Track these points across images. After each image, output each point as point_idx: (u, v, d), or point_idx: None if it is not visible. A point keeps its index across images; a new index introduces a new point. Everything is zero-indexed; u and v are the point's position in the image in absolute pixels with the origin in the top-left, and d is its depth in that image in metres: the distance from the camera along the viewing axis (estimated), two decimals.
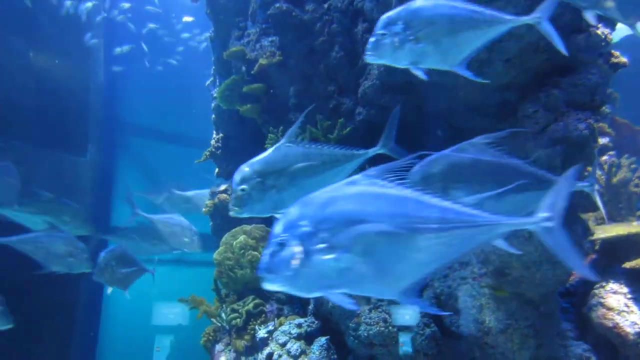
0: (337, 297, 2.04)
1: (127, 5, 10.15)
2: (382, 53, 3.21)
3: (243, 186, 3.32)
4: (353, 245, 1.98)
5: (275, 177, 3.31)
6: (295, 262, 1.98)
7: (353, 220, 2.00)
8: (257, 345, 5.21)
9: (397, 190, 2.10)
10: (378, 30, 3.19)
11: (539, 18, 3.02)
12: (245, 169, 3.36)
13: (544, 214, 2.06)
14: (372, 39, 3.20)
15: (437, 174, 2.94)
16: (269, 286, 2.03)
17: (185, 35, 11.73)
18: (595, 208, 5.34)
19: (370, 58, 3.25)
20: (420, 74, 3.32)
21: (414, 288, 2.08)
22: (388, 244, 2.01)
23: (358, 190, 2.11)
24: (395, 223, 2.00)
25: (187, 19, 11.23)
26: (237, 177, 3.35)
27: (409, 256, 2.04)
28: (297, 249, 1.99)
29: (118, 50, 9.69)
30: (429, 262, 2.06)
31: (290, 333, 4.96)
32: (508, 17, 3.05)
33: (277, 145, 3.45)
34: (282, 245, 2.01)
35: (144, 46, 11.05)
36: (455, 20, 3.09)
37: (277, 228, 2.06)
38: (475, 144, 3.03)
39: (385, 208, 2.05)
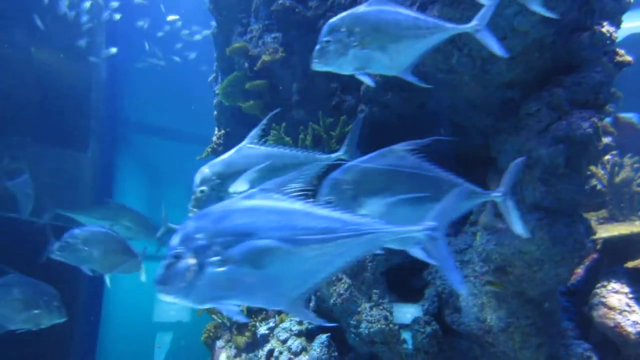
0: (228, 308, 2.15)
1: (115, 4, 10.09)
2: (327, 60, 3.21)
3: (202, 187, 3.33)
4: (244, 259, 2.09)
5: (235, 178, 3.31)
6: (189, 275, 2.08)
7: (244, 234, 2.11)
8: (257, 342, 5.22)
9: (289, 203, 2.21)
10: (322, 37, 3.20)
11: (478, 26, 3.08)
12: (205, 170, 3.39)
13: (430, 223, 2.19)
14: (317, 47, 3.20)
15: (348, 182, 2.93)
16: (163, 297, 2.11)
17: (185, 32, 11.69)
18: (598, 207, 5.34)
19: (316, 66, 3.25)
20: (367, 80, 3.35)
21: (302, 298, 2.20)
22: (276, 257, 2.11)
23: (252, 204, 2.22)
24: (283, 236, 2.11)
25: (172, 17, 11.13)
26: (197, 178, 3.37)
27: (297, 267, 2.15)
28: (191, 261, 2.08)
29: (104, 52, 9.58)
30: (316, 272, 2.18)
31: (291, 330, 4.97)
32: (449, 25, 3.12)
33: (239, 146, 3.48)
34: (177, 257, 2.09)
35: (147, 45, 11.02)
36: (400, 26, 3.10)
37: (174, 240, 2.14)
38: (395, 150, 3.03)
39: (275, 221, 2.16)
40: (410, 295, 4.69)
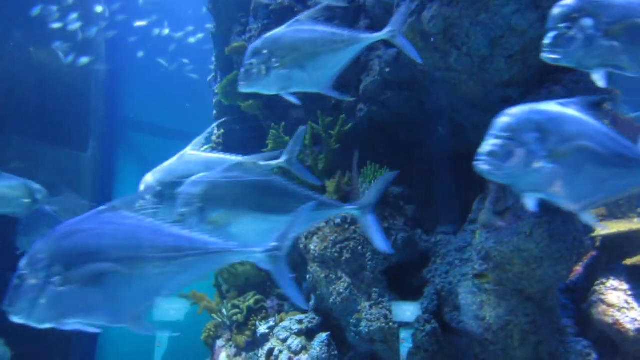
0: (74, 325, 2.17)
1: (100, 9, 10.03)
2: (251, 82, 3.33)
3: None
4: (84, 279, 2.12)
5: (175, 186, 3.37)
6: (31, 295, 2.10)
7: (88, 253, 2.15)
8: (258, 341, 5.23)
9: (136, 221, 2.26)
10: (246, 60, 3.32)
11: (393, 32, 3.30)
12: (148, 177, 3.49)
13: (273, 244, 2.32)
14: (242, 69, 3.33)
15: (197, 196, 2.99)
16: (15, 319, 2.15)
17: (179, 34, 11.68)
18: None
19: (241, 88, 3.37)
20: (292, 100, 3.46)
21: (144, 313, 2.27)
22: (116, 277, 2.16)
23: (98, 222, 2.25)
24: (126, 255, 2.16)
25: (140, 23, 11.02)
26: (141, 185, 3.44)
27: (138, 286, 2.21)
28: (33, 281, 2.11)
29: (81, 61, 9.46)
30: (159, 288, 2.25)
31: (291, 329, 4.98)
32: (365, 35, 3.30)
33: (181, 153, 3.61)
34: (21, 278, 2.12)
35: (141, 53, 10.98)
36: (316, 44, 3.25)
37: (23, 261, 2.16)
38: (243, 164, 3.13)
39: (120, 239, 2.21)
40: (409, 293, 4.70)
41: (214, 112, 7.32)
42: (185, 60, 11.58)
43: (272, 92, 3.39)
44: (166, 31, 11.19)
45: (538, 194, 2.57)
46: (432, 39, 3.89)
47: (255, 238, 2.53)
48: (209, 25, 7.16)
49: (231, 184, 3.02)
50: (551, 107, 2.54)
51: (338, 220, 4.79)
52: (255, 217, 2.96)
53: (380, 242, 3.36)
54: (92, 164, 9.62)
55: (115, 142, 10.66)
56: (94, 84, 9.89)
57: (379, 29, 4.90)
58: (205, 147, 3.69)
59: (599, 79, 2.70)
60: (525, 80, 3.88)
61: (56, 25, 8.48)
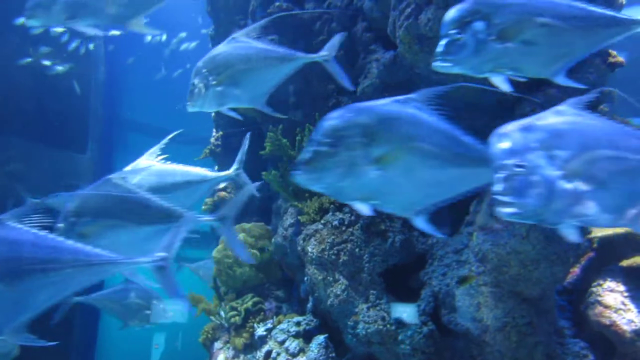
0: None
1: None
2: (195, 101, 3.47)
3: None
4: None
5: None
6: None
7: None
8: (255, 343, 5.23)
9: (17, 233, 2.26)
10: (191, 81, 3.47)
11: (327, 56, 3.44)
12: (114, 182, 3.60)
13: (160, 254, 2.38)
14: (189, 90, 3.47)
15: (70, 210, 3.07)
16: None
17: (177, 40, 11.75)
18: None
19: (189, 108, 3.51)
20: (234, 115, 3.65)
21: (25, 324, 2.28)
22: None
23: None
24: (7, 268, 2.17)
25: (114, 32, 11.12)
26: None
27: (20, 298, 2.21)
28: None
29: (57, 69, 9.42)
30: (42, 300, 2.26)
31: (288, 331, 4.98)
32: (300, 54, 3.42)
33: (135, 162, 3.78)
34: None
35: (132, 59, 11.01)
36: (250, 60, 3.35)
37: None
38: (109, 181, 3.26)
39: (1, 253, 2.21)
40: (407, 295, 4.70)
41: (212, 114, 7.34)
42: (188, 66, 11.62)
43: (213, 109, 3.53)
44: (158, 38, 11.29)
45: (368, 202, 2.36)
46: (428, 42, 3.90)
47: (123, 249, 2.59)
48: (205, 31, 7.18)
49: (99, 198, 3.13)
50: (384, 106, 2.33)
51: (336, 223, 4.80)
52: (121, 229, 3.06)
53: (239, 251, 3.67)
54: (90, 165, 9.63)
55: (114, 144, 10.67)
56: (93, 86, 9.91)
57: (376, 31, 4.94)
58: (161, 157, 3.81)
59: (500, 82, 2.63)
60: (522, 82, 3.88)
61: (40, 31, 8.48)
